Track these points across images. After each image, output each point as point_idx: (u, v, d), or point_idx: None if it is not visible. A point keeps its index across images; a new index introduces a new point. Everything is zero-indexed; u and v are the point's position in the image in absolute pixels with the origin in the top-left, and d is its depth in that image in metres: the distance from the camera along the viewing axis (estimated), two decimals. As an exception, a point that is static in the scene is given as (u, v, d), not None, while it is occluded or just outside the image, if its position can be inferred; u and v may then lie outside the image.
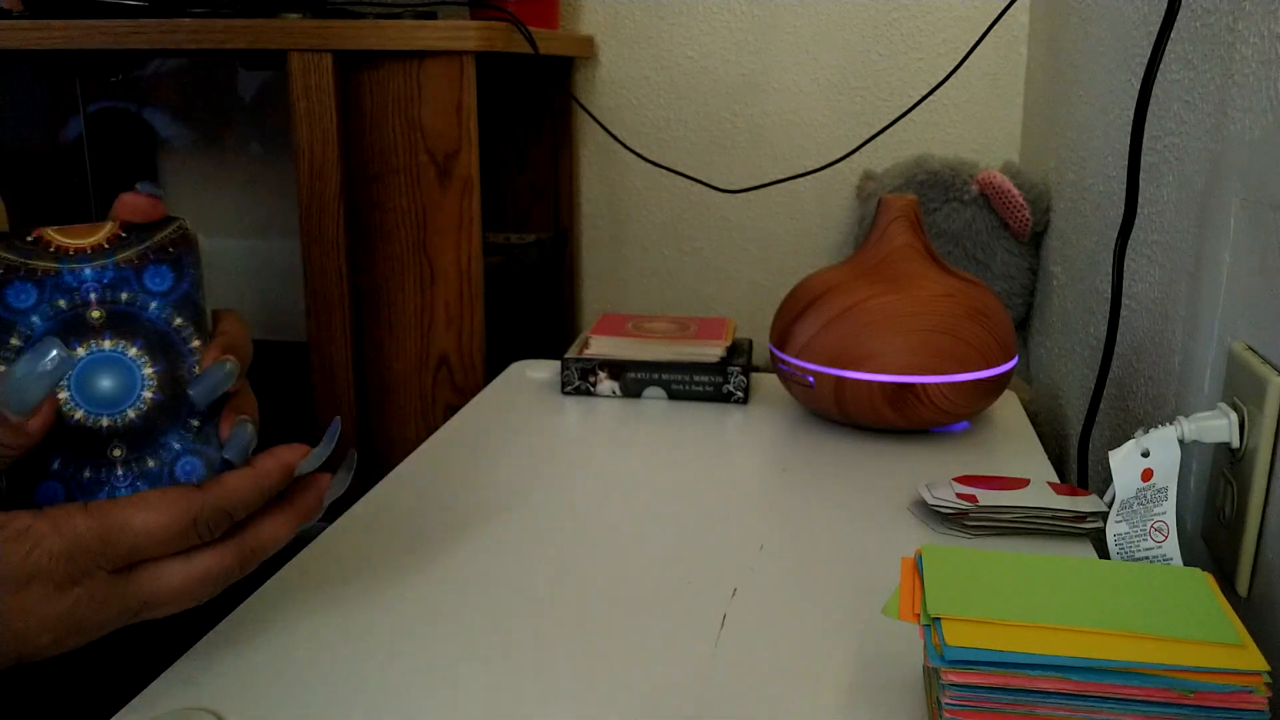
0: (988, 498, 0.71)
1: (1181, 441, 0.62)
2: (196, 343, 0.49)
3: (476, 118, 1.16)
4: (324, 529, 0.71)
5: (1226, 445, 0.64)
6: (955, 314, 0.84)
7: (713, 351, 0.98)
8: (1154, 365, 0.84)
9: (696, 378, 0.98)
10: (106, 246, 0.47)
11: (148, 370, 0.48)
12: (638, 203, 1.62)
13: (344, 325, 1.19)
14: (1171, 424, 0.63)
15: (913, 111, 1.29)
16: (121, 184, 1.71)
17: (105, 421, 0.48)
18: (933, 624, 0.46)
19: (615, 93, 1.59)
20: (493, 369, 1.12)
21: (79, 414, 0.47)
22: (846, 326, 0.85)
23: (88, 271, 0.46)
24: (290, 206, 1.22)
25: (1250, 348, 0.64)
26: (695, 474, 0.81)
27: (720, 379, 0.97)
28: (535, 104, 1.55)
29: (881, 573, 0.65)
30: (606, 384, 0.99)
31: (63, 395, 0.47)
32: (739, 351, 1.01)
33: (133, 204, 0.49)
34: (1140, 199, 0.86)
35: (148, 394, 0.48)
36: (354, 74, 1.16)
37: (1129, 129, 0.81)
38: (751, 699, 0.52)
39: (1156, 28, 0.77)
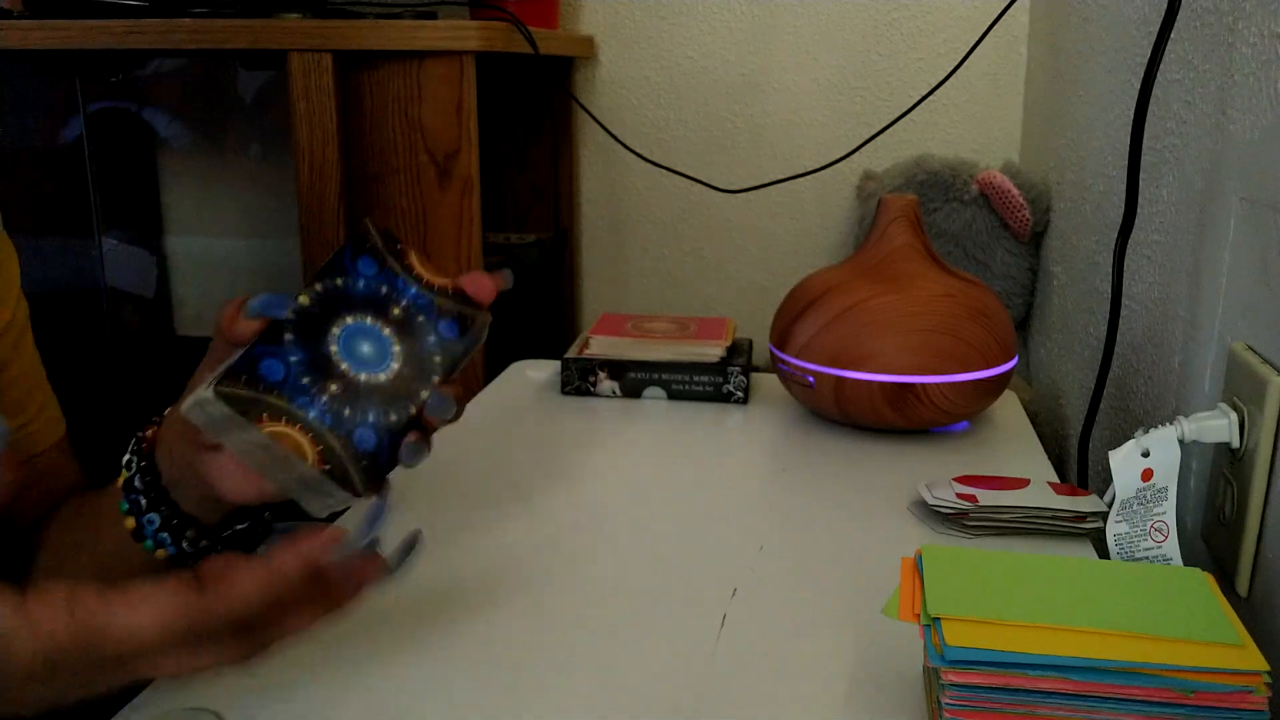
0: (988, 498, 0.71)
1: (1181, 441, 0.62)
2: (437, 378, 0.56)
3: (476, 118, 1.16)
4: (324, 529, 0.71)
5: (1226, 445, 0.64)
6: (955, 314, 0.84)
7: (713, 351, 0.98)
8: (1154, 365, 0.84)
9: (696, 378, 0.98)
10: (435, 287, 0.57)
11: (395, 365, 0.55)
12: (638, 203, 1.62)
13: (344, 325, 1.19)
14: (1171, 424, 0.63)
15: (913, 111, 1.29)
16: (121, 184, 1.71)
17: (363, 376, 0.55)
18: (933, 624, 0.46)
19: (615, 93, 1.59)
20: (493, 369, 1.12)
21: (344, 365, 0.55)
22: (846, 326, 0.85)
23: (413, 290, 0.56)
24: (290, 206, 1.22)
25: (1250, 348, 0.64)
26: (695, 474, 0.81)
27: (720, 379, 0.97)
28: (535, 104, 1.55)
29: (881, 573, 0.65)
30: (606, 384, 0.99)
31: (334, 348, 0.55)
32: (739, 351, 1.01)
33: (478, 282, 0.57)
34: (1140, 199, 0.86)
35: (383, 375, 0.55)
36: (354, 74, 1.16)
37: (1129, 129, 0.81)
38: (751, 698, 0.52)
39: (1156, 28, 0.77)
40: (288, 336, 0.54)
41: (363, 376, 0.54)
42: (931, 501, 0.72)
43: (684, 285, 1.64)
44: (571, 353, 1.01)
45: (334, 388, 0.54)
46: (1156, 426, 0.63)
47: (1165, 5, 0.76)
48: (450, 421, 0.56)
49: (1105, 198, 1.02)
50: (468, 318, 0.57)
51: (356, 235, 0.57)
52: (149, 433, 0.61)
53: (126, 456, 0.61)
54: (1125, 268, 0.85)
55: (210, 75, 1.61)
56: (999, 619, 0.45)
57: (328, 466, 0.52)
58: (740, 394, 0.97)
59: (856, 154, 1.41)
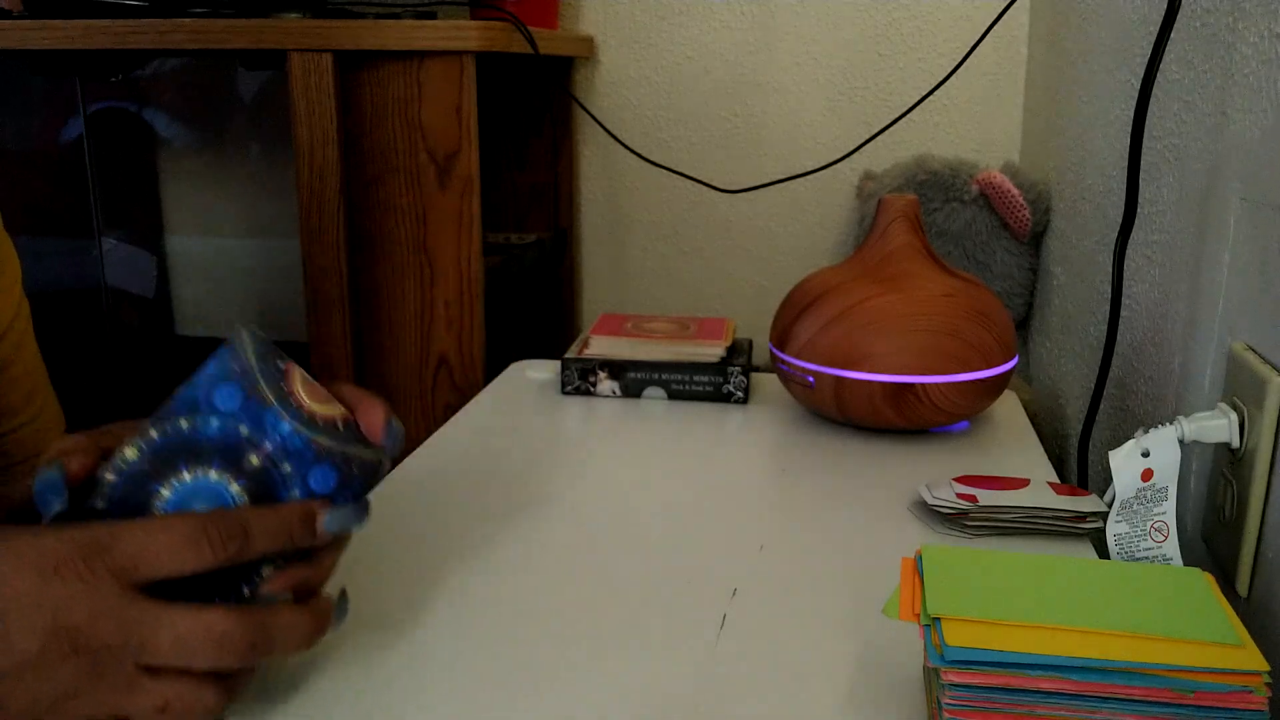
0: (988, 498, 0.71)
1: (1181, 441, 0.62)
2: (271, 568, 0.48)
3: (476, 118, 1.16)
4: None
5: (1226, 445, 0.64)
6: (955, 314, 0.84)
7: (713, 351, 0.98)
8: (1154, 365, 0.84)
9: (696, 378, 0.98)
10: (318, 422, 0.47)
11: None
12: (638, 203, 1.62)
13: (344, 325, 1.19)
14: (1171, 424, 0.63)
15: (913, 111, 1.29)
16: (121, 184, 1.71)
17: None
18: (933, 624, 0.46)
19: (615, 93, 1.59)
20: (493, 369, 1.12)
21: None
22: (846, 326, 0.85)
23: (286, 427, 0.47)
24: (290, 206, 1.22)
25: (1250, 348, 0.64)
26: (695, 474, 0.81)
27: (720, 379, 0.97)
28: (535, 104, 1.55)
29: (881, 573, 0.65)
30: (606, 384, 0.99)
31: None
32: (739, 351, 1.01)
33: (373, 420, 0.50)
34: (1140, 199, 0.86)
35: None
36: (354, 74, 1.16)
37: (1129, 129, 0.81)
38: (751, 699, 0.52)
39: (1156, 28, 0.77)
40: (100, 504, 0.46)
41: None
42: (931, 501, 0.72)
43: (684, 285, 1.64)
44: (571, 353, 1.01)
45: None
46: (1156, 426, 0.63)
47: (1165, 5, 0.76)
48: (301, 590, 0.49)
49: (1105, 198, 1.02)
50: (353, 462, 0.47)
51: (220, 351, 0.47)
52: None
53: None
54: (1125, 268, 0.86)
55: (210, 75, 1.61)
56: (999, 619, 0.45)
57: None
58: (740, 394, 0.97)
59: (856, 154, 1.41)
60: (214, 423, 0.46)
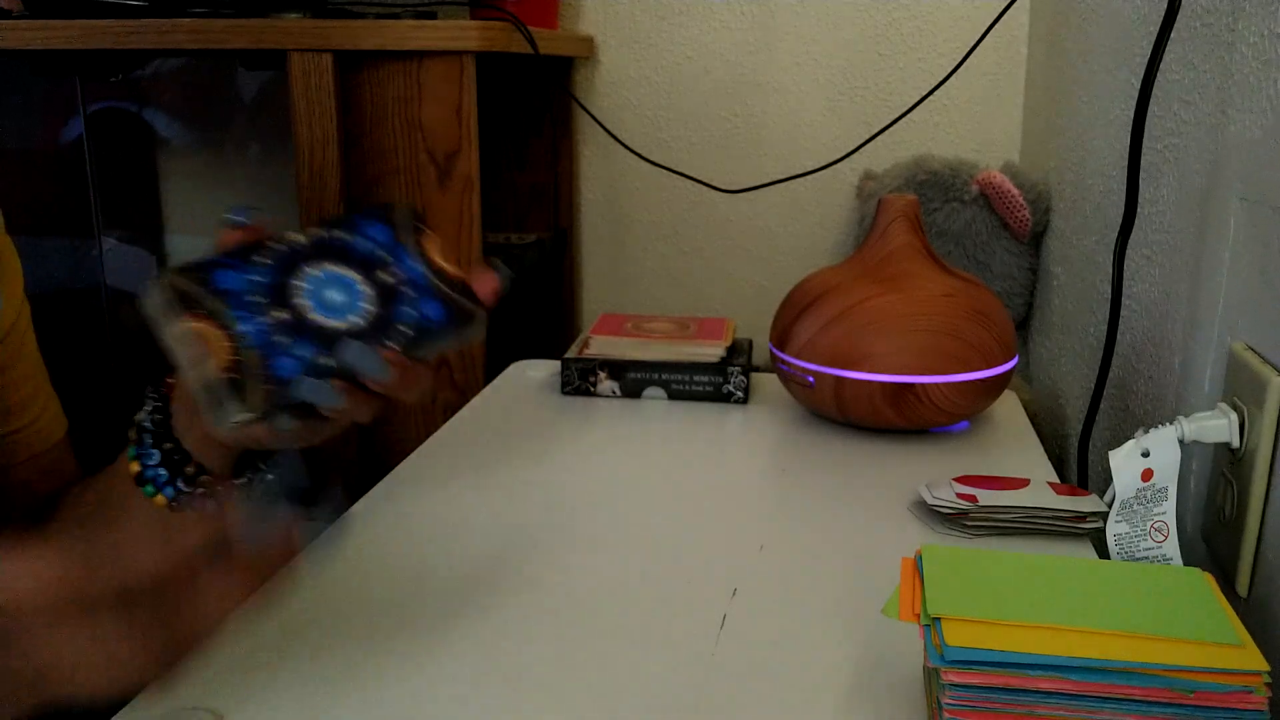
0: (988, 498, 0.71)
1: (1181, 441, 0.62)
2: (395, 347, 0.55)
3: (476, 118, 1.16)
4: (324, 529, 0.71)
5: (1226, 445, 0.64)
6: (955, 314, 0.84)
7: (713, 351, 0.98)
8: (1154, 365, 0.84)
9: (696, 378, 0.98)
10: (438, 271, 0.57)
11: (356, 320, 0.55)
12: (638, 203, 1.62)
13: (344, 325, 1.19)
14: (1171, 424, 0.63)
15: (913, 111, 1.29)
16: (121, 184, 1.71)
17: (315, 316, 0.55)
18: (933, 624, 0.46)
19: (615, 93, 1.59)
20: (493, 369, 1.12)
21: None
22: (846, 326, 0.85)
23: (413, 265, 0.56)
24: (290, 206, 1.22)
25: (1250, 348, 0.64)
26: (695, 474, 0.81)
27: (720, 379, 0.97)
28: (535, 104, 1.55)
29: (881, 573, 0.65)
30: (606, 384, 0.99)
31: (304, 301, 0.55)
32: (739, 351, 1.01)
33: (483, 280, 0.57)
34: (1140, 199, 0.86)
35: (336, 323, 0.55)
36: (354, 74, 1.16)
37: (1129, 129, 0.81)
38: (751, 699, 0.52)
39: (1156, 28, 0.77)
40: (260, 258, 0.55)
41: (314, 316, 0.54)
42: (931, 501, 0.72)
43: (684, 285, 1.64)
44: (571, 353, 1.01)
45: (279, 315, 0.54)
46: (1156, 426, 0.63)
47: (1165, 5, 0.76)
48: (391, 392, 0.55)
49: (1105, 198, 1.02)
50: (458, 308, 0.56)
51: (382, 204, 0.58)
52: (172, 379, 0.61)
53: (146, 400, 0.62)
54: (1125, 268, 0.86)
55: (210, 75, 1.61)
56: (999, 619, 0.45)
57: (231, 376, 0.52)
58: (740, 394, 0.97)
59: (856, 154, 1.41)
60: (362, 242, 0.56)
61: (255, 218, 0.56)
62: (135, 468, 0.60)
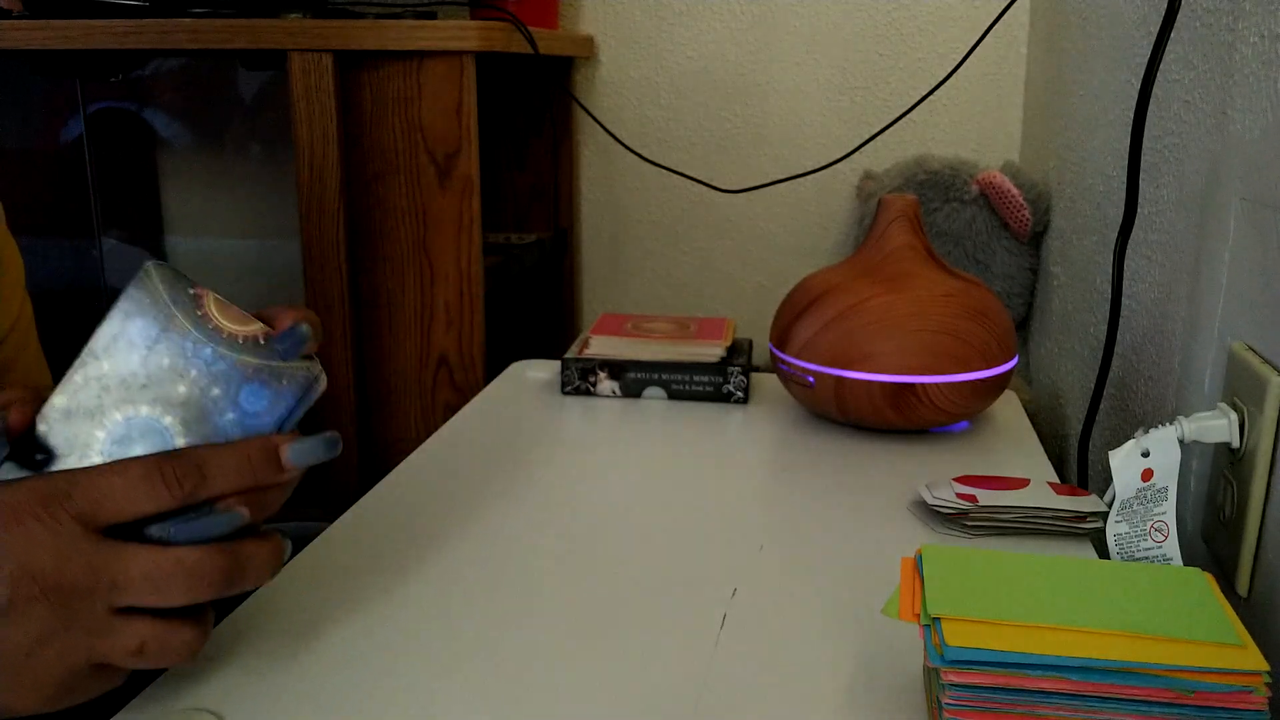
0: (988, 498, 0.71)
1: (1181, 441, 0.62)
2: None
3: (476, 118, 1.16)
4: (324, 528, 0.71)
5: (1226, 445, 0.64)
6: (955, 314, 0.84)
7: (713, 351, 0.98)
8: (1154, 365, 0.84)
9: (696, 378, 0.98)
10: (238, 340, 0.47)
11: (179, 442, 0.47)
12: (638, 203, 1.62)
13: (344, 325, 1.19)
14: (1171, 424, 0.63)
15: (913, 111, 1.29)
16: (121, 184, 1.71)
17: None
18: (933, 624, 0.46)
19: (615, 93, 1.59)
20: (493, 369, 1.12)
21: None
22: (846, 326, 0.85)
23: (208, 351, 0.47)
24: (290, 206, 1.22)
25: (1250, 348, 0.64)
26: (695, 474, 0.81)
27: (720, 379, 0.97)
28: (535, 104, 1.55)
29: (881, 573, 0.65)
30: (606, 384, 0.99)
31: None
32: (739, 351, 1.01)
33: (289, 323, 0.49)
34: (1140, 199, 0.86)
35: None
36: (354, 74, 1.16)
37: (1129, 129, 0.81)
38: (751, 699, 0.52)
39: (1156, 28, 0.77)
40: (39, 456, 0.46)
41: None
42: (931, 501, 0.72)
43: (684, 285, 1.64)
44: (571, 353, 1.01)
45: None
46: (1156, 426, 0.63)
47: (1165, 5, 0.76)
48: (258, 514, 0.48)
49: (1105, 198, 1.02)
50: (282, 377, 0.47)
51: (128, 289, 0.47)
52: None
53: None
54: (1125, 268, 0.86)
55: (210, 75, 1.61)
56: (999, 619, 0.45)
57: None
58: (740, 394, 0.97)
59: (856, 154, 1.41)
60: (134, 358, 0.47)
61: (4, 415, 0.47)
62: None
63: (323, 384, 0.49)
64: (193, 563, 0.45)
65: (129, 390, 0.47)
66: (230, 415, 0.47)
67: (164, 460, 0.45)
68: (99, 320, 0.49)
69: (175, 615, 0.46)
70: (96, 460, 0.47)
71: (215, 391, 0.47)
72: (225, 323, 0.47)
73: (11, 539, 0.42)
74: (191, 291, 0.48)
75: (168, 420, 0.47)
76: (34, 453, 0.47)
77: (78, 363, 0.47)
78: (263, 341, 0.48)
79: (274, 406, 0.47)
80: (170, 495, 0.45)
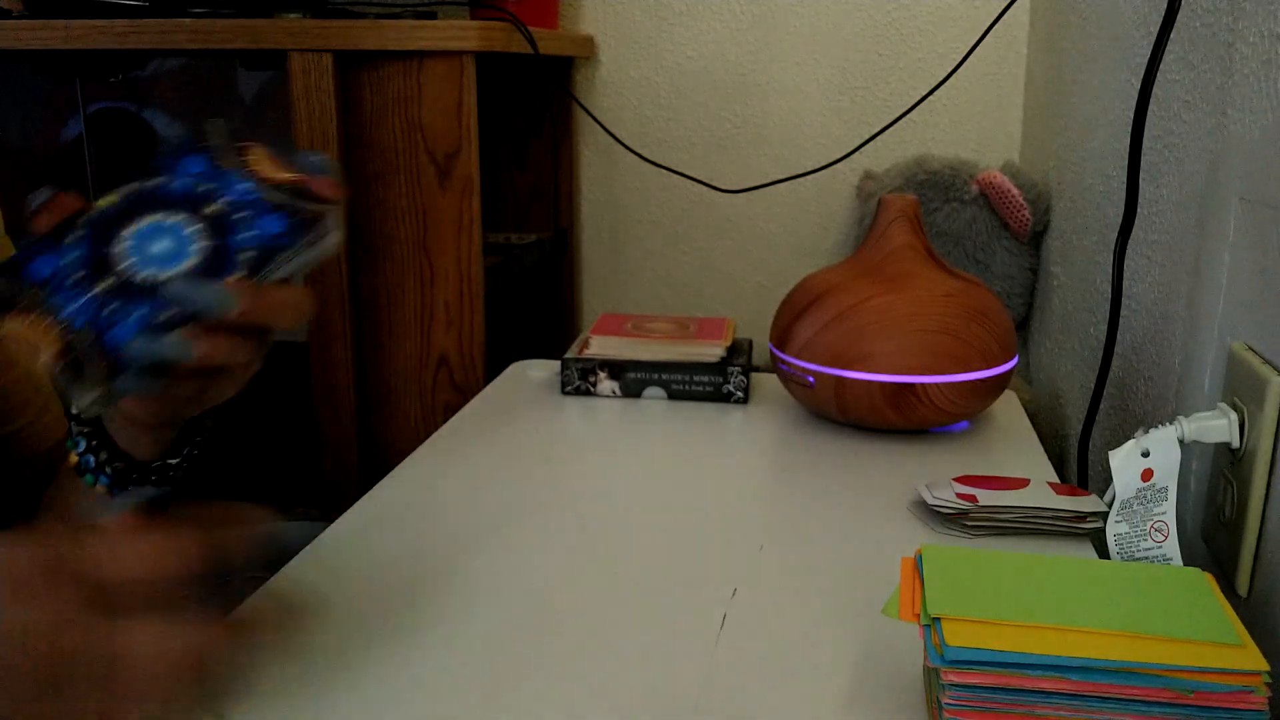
0: (988, 498, 0.71)
1: (1181, 441, 0.62)
2: (239, 274, 0.52)
3: (476, 118, 1.16)
4: (324, 529, 0.71)
5: (1226, 445, 0.64)
6: (955, 314, 0.84)
7: (713, 351, 0.98)
8: (1154, 365, 0.84)
9: (696, 378, 0.98)
10: (270, 182, 0.53)
11: (190, 262, 0.52)
12: (638, 203, 1.62)
13: (344, 325, 1.19)
14: (1171, 424, 0.63)
15: (913, 111, 1.29)
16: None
17: (142, 273, 0.52)
18: (933, 624, 0.46)
19: (615, 93, 1.59)
20: (493, 369, 1.12)
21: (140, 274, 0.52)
22: (846, 326, 0.85)
23: (239, 184, 0.53)
24: (290, 206, 1.22)
25: (1250, 348, 0.64)
26: (695, 474, 0.81)
27: (720, 379, 0.97)
28: (535, 104, 1.55)
29: (881, 573, 0.65)
30: (606, 384, 0.99)
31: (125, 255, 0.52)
32: (739, 351, 1.01)
33: (320, 184, 0.54)
34: (1140, 199, 0.86)
35: (168, 272, 0.52)
36: (354, 74, 1.16)
37: (1129, 129, 0.81)
38: (751, 698, 0.52)
39: (1156, 28, 0.77)
40: (72, 235, 0.52)
41: (141, 274, 0.51)
42: (931, 501, 0.72)
43: (684, 285, 1.64)
44: (571, 353, 1.01)
45: (103, 285, 0.51)
46: (1156, 426, 0.63)
47: (1165, 5, 0.76)
48: (256, 320, 0.51)
49: (1105, 198, 1.02)
50: (299, 213, 0.52)
51: (191, 132, 0.55)
52: None
53: None
54: (1125, 268, 0.86)
55: (210, 75, 1.61)
56: (999, 619, 0.45)
57: (64, 362, 0.50)
58: (740, 394, 0.97)
59: (856, 154, 1.41)
60: (178, 182, 0.53)
61: (61, 196, 0.52)
62: (73, 458, 0.59)
63: (336, 236, 0.54)
64: (185, 653, 0.43)
65: (168, 203, 0.52)
66: (250, 234, 0.52)
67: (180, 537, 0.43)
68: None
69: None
70: (118, 248, 0.51)
71: (242, 214, 0.53)
72: (266, 168, 0.54)
73: (12, 615, 0.40)
74: (243, 144, 0.55)
75: (192, 227, 0.52)
76: (68, 234, 0.52)
77: (130, 177, 0.53)
78: (293, 187, 0.54)
79: (289, 233, 0.52)
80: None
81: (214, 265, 0.51)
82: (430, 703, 0.52)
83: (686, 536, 0.70)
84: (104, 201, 0.52)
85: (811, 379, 0.87)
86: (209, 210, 0.52)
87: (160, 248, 0.52)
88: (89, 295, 0.50)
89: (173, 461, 0.61)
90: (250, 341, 0.52)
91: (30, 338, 0.50)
